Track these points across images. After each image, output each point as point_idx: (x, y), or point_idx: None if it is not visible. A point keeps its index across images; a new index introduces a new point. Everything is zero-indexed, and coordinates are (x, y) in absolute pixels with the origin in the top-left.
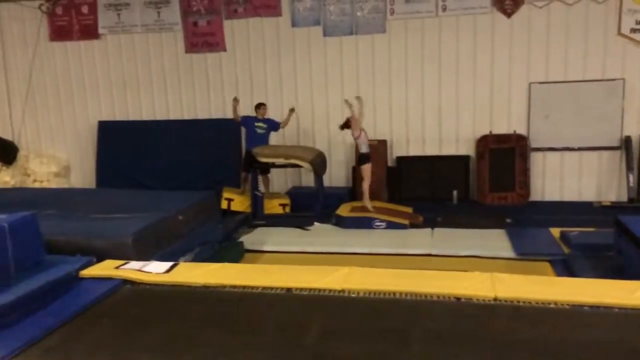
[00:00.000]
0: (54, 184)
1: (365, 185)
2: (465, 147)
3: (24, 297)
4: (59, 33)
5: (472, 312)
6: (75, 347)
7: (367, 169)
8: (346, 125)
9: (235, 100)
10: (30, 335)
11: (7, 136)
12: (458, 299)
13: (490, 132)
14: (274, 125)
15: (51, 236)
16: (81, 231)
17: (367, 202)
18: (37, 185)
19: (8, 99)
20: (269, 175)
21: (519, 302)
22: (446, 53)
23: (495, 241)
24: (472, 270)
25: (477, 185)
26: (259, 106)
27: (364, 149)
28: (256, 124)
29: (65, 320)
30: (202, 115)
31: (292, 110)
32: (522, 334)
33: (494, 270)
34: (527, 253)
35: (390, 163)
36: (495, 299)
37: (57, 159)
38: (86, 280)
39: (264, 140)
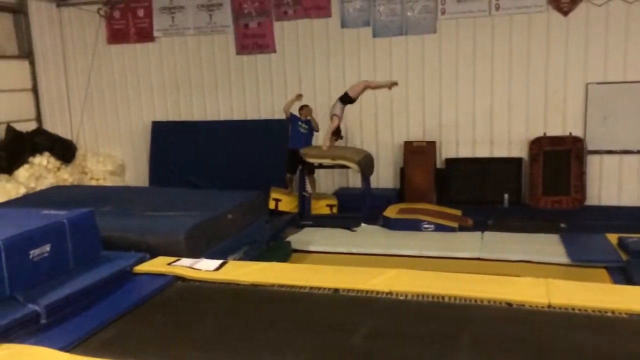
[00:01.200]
0: (109, 181)
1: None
2: (517, 149)
3: (82, 291)
4: (116, 36)
5: (525, 318)
6: (130, 341)
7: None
8: (337, 133)
9: (299, 96)
10: (87, 328)
11: (67, 135)
12: (510, 304)
13: (545, 134)
14: (312, 127)
15: (107, 232)
16: (135, 228)
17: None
18: (93, 182)
19: (68, 100)
20: (314, 175)
21: (574, 309)
22: (499, 53)
23: (548, 246)
24: (524, 275)
25: (530, 189)
26: (302, 108)
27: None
28: (299, 123)
29: (120, 314)
30: (251, 115)
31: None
32: (577, 343)
33: (546, 276)
34: (582, 259)
35: (439, 165)
36: (549, 306)
37: (113, 157)
38: (140, 275)
39: (306, 139)
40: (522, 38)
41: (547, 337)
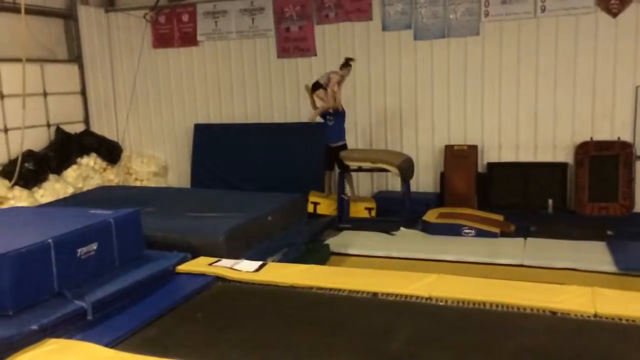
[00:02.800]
0: (152, 182)
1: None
2: (563, 154)
3: (127, 289)
4: (161, 40)
5: (570, 328)
6: (171, 339)
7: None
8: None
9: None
10: (131, 325)
11: (113, 137)
12: (554, 313)
13: (591, 138)
14: (341, 115)
15: (150, 232)
16: (177, 228)
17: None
18: (138, 183)
19: (114, 103)
20: (351, 173)
21: (621, 319)
22: (544, 55)
23: (594, 254)
24: (569, 284)
25: (576, 195)
26: None
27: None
28: (327, 117)
29: (163, 312)
30: (291, 118)
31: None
32: (624, 354)
33: (592, 284)
34: (630, 268)
35: (480, 169)
36: (595, 315)
37: (156, 159)
38: (182, 275)
39: (336, 130)
40: (568, 40)
41: (592, 348)
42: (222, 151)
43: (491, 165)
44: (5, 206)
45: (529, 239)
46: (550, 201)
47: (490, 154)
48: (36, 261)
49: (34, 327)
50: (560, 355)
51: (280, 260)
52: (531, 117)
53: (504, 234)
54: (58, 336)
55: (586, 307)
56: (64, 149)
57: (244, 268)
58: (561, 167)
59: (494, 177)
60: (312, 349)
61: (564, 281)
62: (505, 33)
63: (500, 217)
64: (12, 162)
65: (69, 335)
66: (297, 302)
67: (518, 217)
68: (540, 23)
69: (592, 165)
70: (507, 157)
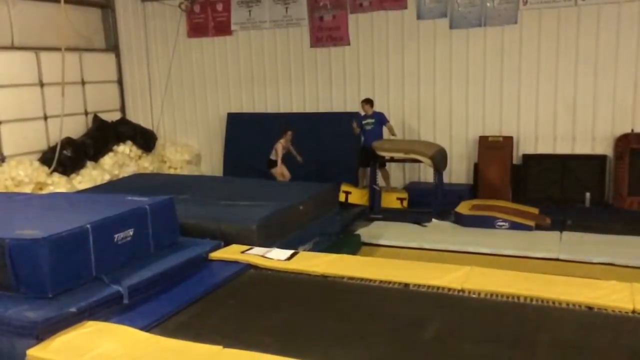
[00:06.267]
0: (186, 170)
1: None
2: (602, 146)
3: (162, 274)
4: (196, 30)
5: (606, 323)
6: (205, 324)
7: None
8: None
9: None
10: (165, 310)
11: (148, 125)
12: (590, 308)
13: (632, 130)
14: (381, 119)
15: (183, 219)
16: (211, 216)
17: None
18: (171, 171)
19: (150, 91)
20: (386, 168)
21: None
22: (584, 45)
23: (633, 249)
24: (606, 279)
25: (615, 188)
26: (361, 104)
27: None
28: (363, 121)
29: (196, 298)
30: (323, 108)
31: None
32: None
33: (631, 280)
34: None
35: (515, 161)
36: (633, 311)
37: (190, 147)
38: (215, 262)
39: (375, 135)
40: (610, 29)
41: (631, 345)
42: (255, 140)
43: (527, 157)
44: (44, 192)
45: (565, 232)
46: (587, 194)
47: (526, 146)
48: (75, 246)
49: (73, 309)
50: (596, 351)
51: (311, 250)
52: (569, 109)
53: (539, 227)
54: (96, 319)
55: (624, 302)
56: (101, 136)
57: (276, 256)
58: (600, 159)
59: (530, 169)
60: (342, 338)
61: (601, 276)
62: (544, 22)
63: (535, 210)
64: (52, 149)
65: (106, 318)
66: (328, 291)
67: (554, 211)
68: (580, 11)
69: (633, 158)
70: (544, 148)
